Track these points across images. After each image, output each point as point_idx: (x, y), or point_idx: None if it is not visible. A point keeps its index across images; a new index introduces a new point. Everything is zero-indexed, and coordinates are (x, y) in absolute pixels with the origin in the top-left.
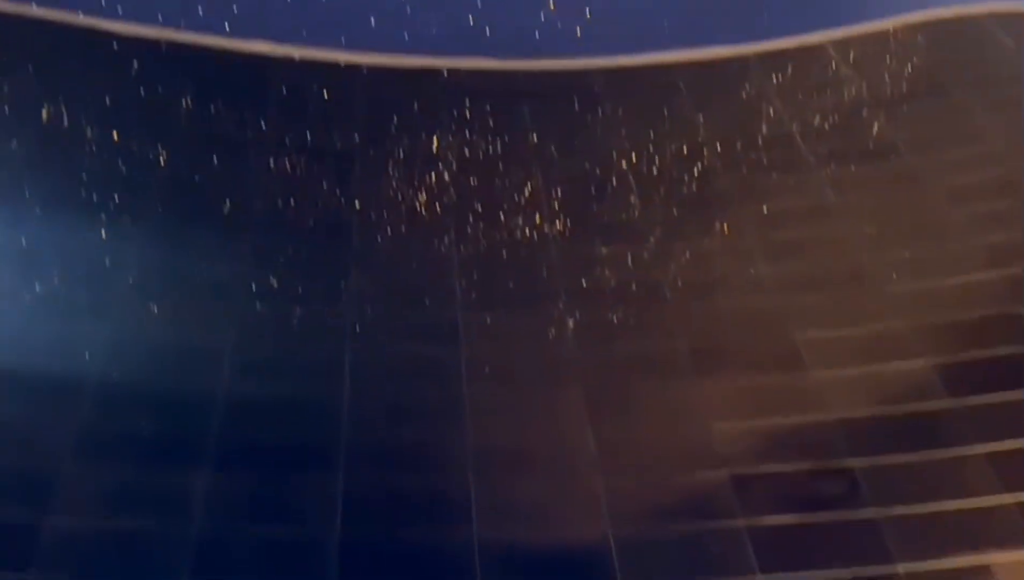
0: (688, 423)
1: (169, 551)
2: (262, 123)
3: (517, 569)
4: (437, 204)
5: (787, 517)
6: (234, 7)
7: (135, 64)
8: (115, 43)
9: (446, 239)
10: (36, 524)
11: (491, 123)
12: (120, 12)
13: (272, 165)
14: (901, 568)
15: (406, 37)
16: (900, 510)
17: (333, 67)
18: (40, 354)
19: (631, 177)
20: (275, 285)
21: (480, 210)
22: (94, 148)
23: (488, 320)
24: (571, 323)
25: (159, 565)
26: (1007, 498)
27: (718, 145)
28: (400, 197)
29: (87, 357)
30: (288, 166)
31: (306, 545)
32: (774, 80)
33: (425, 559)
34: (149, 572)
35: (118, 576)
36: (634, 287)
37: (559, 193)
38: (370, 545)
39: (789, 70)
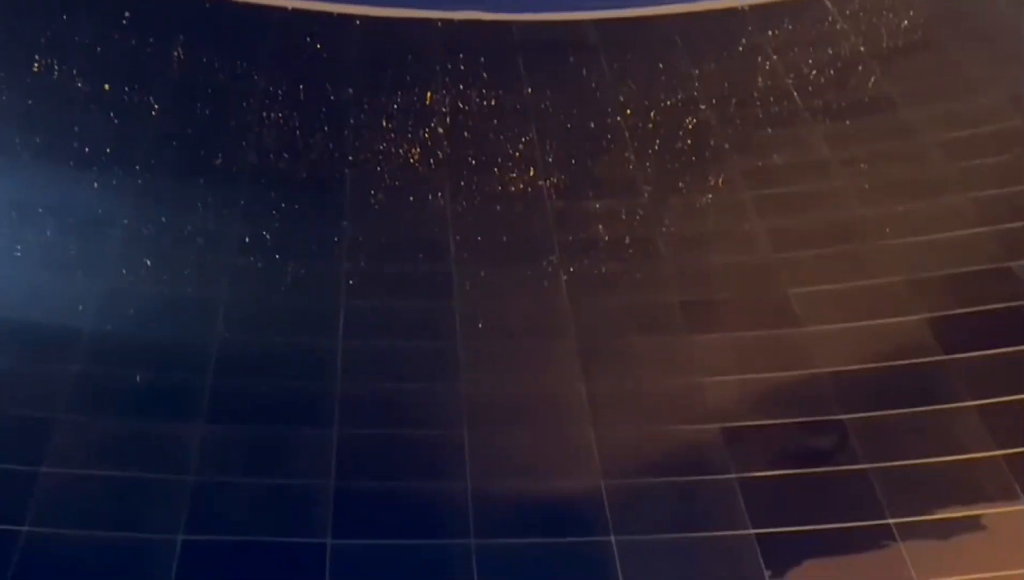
0: (680, 376)
1: (164, 502)
2: (254, 75)
3: (510, 519)
4: (431, 158)
5: (778, 471)
6: None
7: (126, 14)
8: None
9: (440, 192)
10: (31, 475)
11: (485, 76)
12: None
13: (264, 117)
14: (892, 521)
15: None
16: (891, 464)
17: (326, 18)
18: (32, 306)
19: (625, 131)
20: (268, 238)
21: (474, 163)
22: (85, 98)
23: (482, 273)
24: (564, 277)
25: (154, 516)
26: (997, 452)
27: (713, 99)
28: (394, 150)
29: (80, 309)
30: (280, 118)
31: (300, 496)
32: (770, 33)
33: (420, 509)
34: (144, 523)
35: (113, 527)
36: (627, 241)
37: (553, 147)
38: (364, 496)
39: (785, 23)
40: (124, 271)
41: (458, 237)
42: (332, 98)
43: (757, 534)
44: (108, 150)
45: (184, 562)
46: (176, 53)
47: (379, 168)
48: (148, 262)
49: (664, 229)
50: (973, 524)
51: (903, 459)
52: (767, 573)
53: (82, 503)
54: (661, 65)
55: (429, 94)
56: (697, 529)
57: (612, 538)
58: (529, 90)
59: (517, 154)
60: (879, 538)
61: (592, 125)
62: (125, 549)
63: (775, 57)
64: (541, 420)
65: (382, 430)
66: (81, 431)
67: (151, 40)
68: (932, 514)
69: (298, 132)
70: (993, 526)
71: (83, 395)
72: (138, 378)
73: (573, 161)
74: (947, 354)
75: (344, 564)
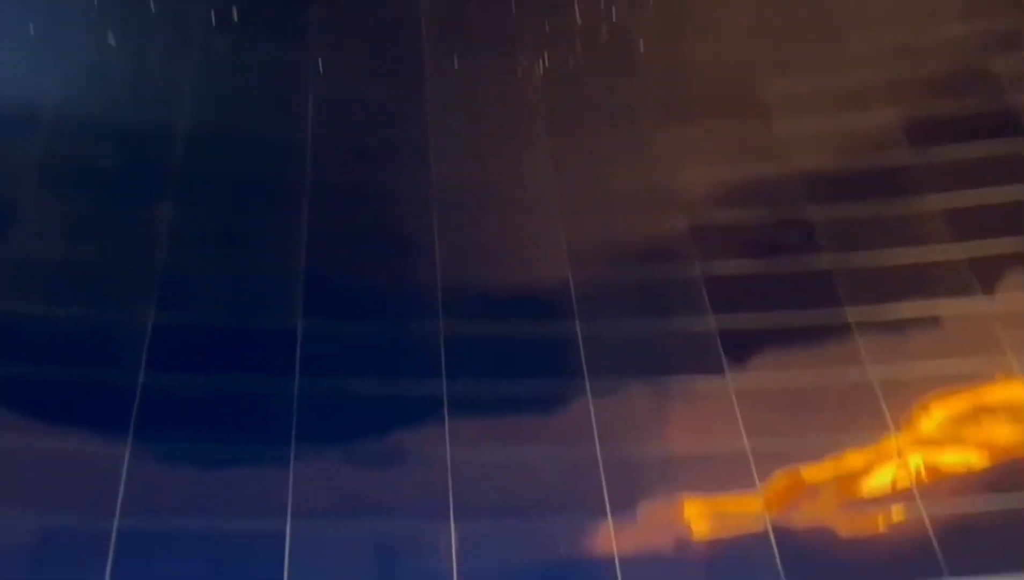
0: (651, 170)
1: (134, 280)
2: None
3: (478, 306)
4: None
5: (742, 264)
6: None
7: None
8: None
9: None
10: None
11: None
12: None
13: None
14: (850, 315)
15: None
16: (853, 259)
17: None
18: None
19: None
20: (236, 18)
21: None
22: None
23: (455, 63)
24: (539, 67)
25: (125, 292)
26: (958, 250)
27: None
28: None
29: (44, 87)
30: None
31: (271, 279)
32: None
33: (389, 295)
34: (115, 299)
35: (84, 303)
36: (604, 31)
37: None
38: (335, 280)
39: None
40: (89, 48)
41: (431, 24)
42: None
43: (719, 325)
44: None
45: (155, 343)
46: None
47: None
48: (113, 41)
49: (641, 21)
50: (929, 317)
51: (865, 255)
52: (726, 361)
53: (52, 279)
54: None
55: None
56: (660, 319)
57: (577, 325)
58: None
59: None
60: (836, 330)
61: None
62: (96, 328)
63: None
64: (511, 211)
65: (351, 217)
66: (49, 209)
67: None
68: (889, 308)
69: None
70: (948, 319)
71: (49, 174)
72: (105, 156)
73: None
74: (917, 152)
75: (315, 346)
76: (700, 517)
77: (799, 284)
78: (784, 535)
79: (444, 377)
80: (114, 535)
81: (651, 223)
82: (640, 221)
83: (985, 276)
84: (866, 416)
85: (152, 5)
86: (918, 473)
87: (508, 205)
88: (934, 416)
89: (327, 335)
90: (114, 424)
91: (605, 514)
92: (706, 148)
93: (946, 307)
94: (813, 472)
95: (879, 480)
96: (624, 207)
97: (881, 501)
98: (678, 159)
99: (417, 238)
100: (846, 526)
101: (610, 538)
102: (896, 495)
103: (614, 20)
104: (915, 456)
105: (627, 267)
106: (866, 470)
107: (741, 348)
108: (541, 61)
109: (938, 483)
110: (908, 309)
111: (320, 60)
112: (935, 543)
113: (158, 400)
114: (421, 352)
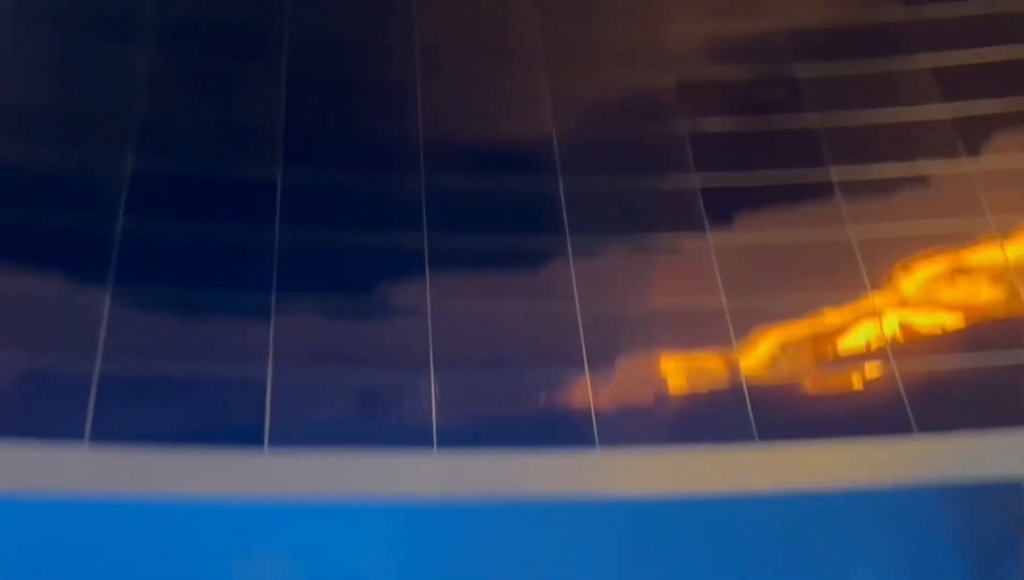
0: (639, 24)
1: (112, 125)
2: None
3: (460, 160)
4: None
5: (728, 121)
6: None
7: None
8: None
9: None
10: None
11: None
12: None
13: None
14: (834, 174)
15: None
16: (839, 118)
17: None
18: None
19: None
20: None
21: None
22: None
23: None
24: None
25: (103, 138)
26: (946, 110)
27: None
28: None
29: None
30: None
31: (251, 127)
32: None
33: (370, 147)
34: (92, 144)
35: (62, 147)
36: None
37: None
38: (315, 131)
39: None
40: None
41: None
42: None
43: (701, 182)
44: None
45: (134, 189)
46: None
47: None
48: None
49: None
50: (912, 178)
51: (851, 114)
52: (707, 219)
53: (28, 125)
54: None
55: None
56: (643, 176)
57: (559, 181)
58: None
59: None
60: (818, 190)
61: None
62: (74, 172)
63: None
64: (495, 65)
65: (333, 65)
66: (24, 53)
67: None
68: (873, 168)
69: None
70: (931, 179)
71: (24, 16)
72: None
73: None
74: (908, 9)
75: (295, 196)
76: (676, 372)
77: (784, 143)
78: (758, 392)
79: (425, 230)
80: (96, 380)
81: (638, 79)
82: (626, 77)
83: (970, 137)
84: (845, 275)
85: None
86: (893, 332)
87: (492, 59)
88: (913, 276)
89: (308, 185)
90: (94, 269)
91: (583, 368)
92: (696, 2)
93: (930, 168)
94: (789, 330)
95: (854, 339)
96: (611, 62)
97: (855, 359)
98: (668, 12)
99: (399, 90)
100: (819, 384)
101: (587, 391)
102: (870, 353)
103: None
104: (891, 315)
105: (612, 123)
106: (842, 329)
107: (723, 206)
108: None
109: (912, 342)
110: (891, 169)
111: None
112: (905, 400)
113: (138, 246)
114: (402, 204)
